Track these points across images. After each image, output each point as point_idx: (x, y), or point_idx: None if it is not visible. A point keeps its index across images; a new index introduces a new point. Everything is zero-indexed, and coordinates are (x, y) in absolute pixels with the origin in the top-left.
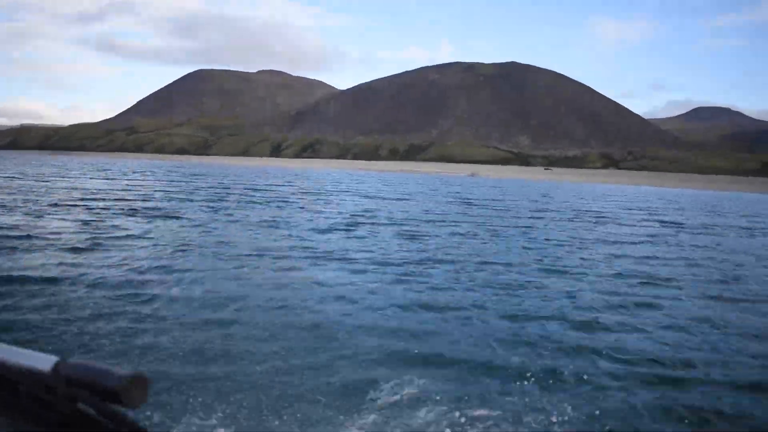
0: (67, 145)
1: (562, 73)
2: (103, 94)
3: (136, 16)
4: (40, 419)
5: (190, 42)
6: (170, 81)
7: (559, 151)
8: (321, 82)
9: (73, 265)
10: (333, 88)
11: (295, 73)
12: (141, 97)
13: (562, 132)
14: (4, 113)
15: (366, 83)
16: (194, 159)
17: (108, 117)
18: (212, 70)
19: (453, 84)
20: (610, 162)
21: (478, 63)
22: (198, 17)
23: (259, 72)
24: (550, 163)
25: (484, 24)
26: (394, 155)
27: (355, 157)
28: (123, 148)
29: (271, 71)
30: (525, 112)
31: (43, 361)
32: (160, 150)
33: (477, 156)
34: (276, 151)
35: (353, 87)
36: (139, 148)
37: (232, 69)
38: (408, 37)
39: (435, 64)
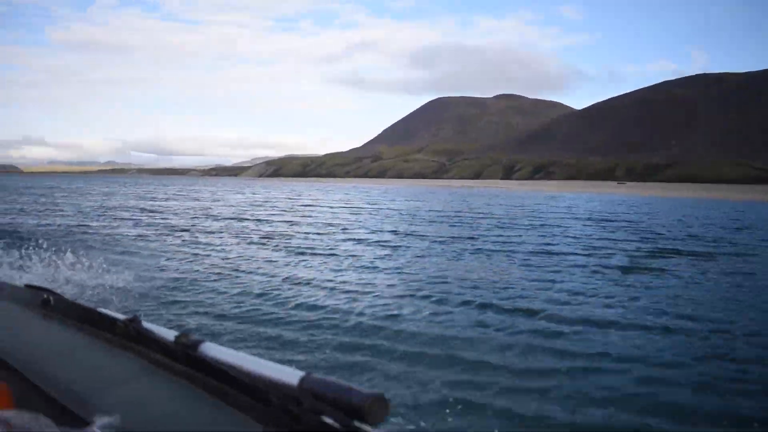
0: (320, 172)
1: None
2: (351, 125)
3: (378, 52)
4: (289, 429)
5: (429, 72)
6: (411, 110)
7: None
8: (557, 102)
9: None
10: (569, 108)
11: (531, 96)
12: (384, 127)
13: None
14: (272, 146)
15: (602, 101)
16: (425, 182)
17: (356, 146)
18: (449, 97)
19: (697, 98)
20: None
21: (727, 73)
22: (436, 49)
23: (495, 97)
24: None
25: (738, 31)
26: (630, 175)
27: (589, 178)
28: (367, 174)
29: (507, 95)
30: None
31: (290, 375)
32: (400, 175)
33: (726, 175)
34: (508, 174)
35: (588, 106)
36: (381, 174)
37: (468, 95)
38: (652, 50)
39: (679, 77)
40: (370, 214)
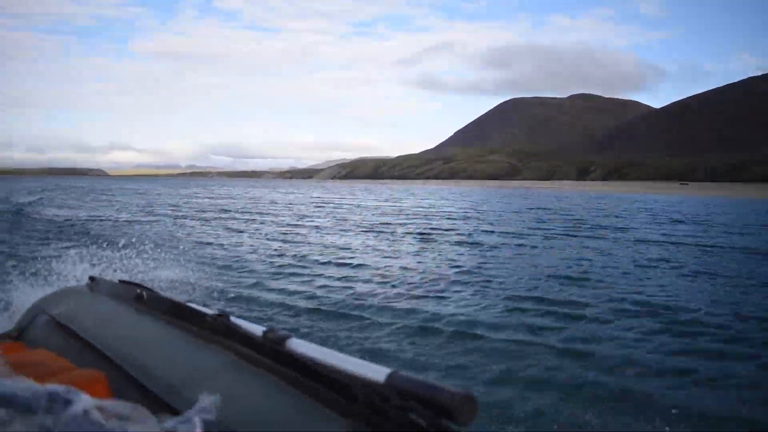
0: (392, 174)
1: None
2: (424, 126)
3: (451, 54)
4: (375, 425)
5: (502, 73)
6: (483, 111)
7: None
8: (635, 102)
9: None
10: (648, 107)
11: (608, 95)
12: (457, 128)
13: None
14: (346, 148)
15: (682, 100)
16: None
17: (428, 148)
18: (523, 98)
19: None
20: None
21: None
22: (509, 49)
23: (570, 97)
24: None
25: None
26: (712, 176)
27: (667, 178)
28: (439, 176)
29: (583, 95)
30: None
31: (377, 372)
32: (472, 176)
33: None
34: (582, 175)
35: (668, 105)
36: (453, 175)
37: (542, 96)
38: (733, 45)
39: (764, 72)
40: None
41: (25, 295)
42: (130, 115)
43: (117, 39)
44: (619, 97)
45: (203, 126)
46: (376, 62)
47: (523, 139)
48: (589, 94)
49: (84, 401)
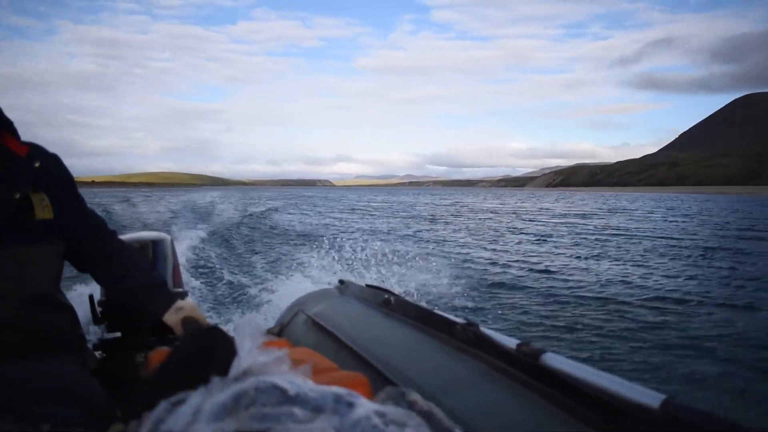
0: (609, 182)
1: None
2: (646, 129)
3: (673, 50)
4: None
5: (734, 67)
6: (712, 110)
7: None
8: None
9: None
10: None
11: None
12: (682, 130)
13: None
14: (562, 155)
15: None
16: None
17: (650, 152)
18: (760, 93)
19: None
20: None
21: None
22: (743, 39)
23: None
24: None
25: None
26: None
27: None
28: (663, 183)
29: None
30: None
31: (649, 397)
32: (700, 182)
33: None
34: None
35: None
36: (679, 181)
37: None
38: None
39: None
40: None
41: (277, 295)
42: (352, 128)
43: (342, 57)
44: None
45: (420, 136)
46: (592, 63)
47: (759, 140)
48: None
49: (365, 405)
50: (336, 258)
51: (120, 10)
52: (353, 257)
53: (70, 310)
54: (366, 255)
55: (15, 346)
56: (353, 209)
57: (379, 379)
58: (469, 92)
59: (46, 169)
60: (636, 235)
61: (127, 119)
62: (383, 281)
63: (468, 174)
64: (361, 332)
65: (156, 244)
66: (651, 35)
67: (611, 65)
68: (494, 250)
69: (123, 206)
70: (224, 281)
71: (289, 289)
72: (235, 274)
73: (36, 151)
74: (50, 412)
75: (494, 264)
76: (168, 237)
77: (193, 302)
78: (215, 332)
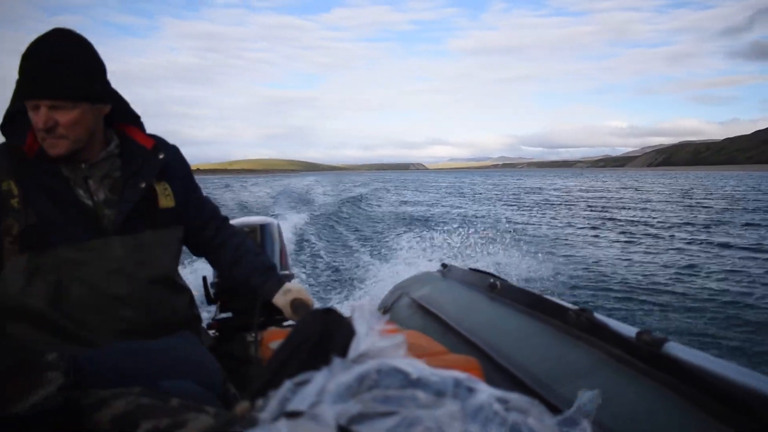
0: (716, 159)
1: None
2: (758, 103)
3: None
4: None
5: None
6: None
7: None
8: None
9: None
10: None
11: None
12: None
13: None
14: (664, 132)
15: None
16: None
17: (762, 127)
18: None
19: None
20: None
21: None
22: None
23: None
24: None
25: None
26: None
27: None
28: None
29: None
30: None
31: None
32: None
33: None
34: None
35: None
36: None
37: None
38: None
39: None
40: None
41: (377, 278)
42: (445, 111)
43: (434, 40)
44: None
45: (514, 117)
46: (696, 34)
47: None
48: None
49: (485, 390)
50: (432, 241)
51: (219, 4)
52: (448, 241)
53: (188, 291)
54: (462, 239)
55: (138, 324)
56: (445, 191)
57: (489, 364)
58: (566, 70)
59: (169, 160)
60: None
61: (226, 109)
62: (483, 265)
63: (565, 155)
64: (468, 316)
65: (264, 228)
66: (762, 0)
67: (718, 35)
68: (598, 236)
69: (222, 192)
70: (323, 264)
71: (387, 272)
72: (334, 256)
73: (160, 143)
74: (175, 387)
75: (599, 248)
76: (275, 221)
77: (300, 285)
78: (333, 314)
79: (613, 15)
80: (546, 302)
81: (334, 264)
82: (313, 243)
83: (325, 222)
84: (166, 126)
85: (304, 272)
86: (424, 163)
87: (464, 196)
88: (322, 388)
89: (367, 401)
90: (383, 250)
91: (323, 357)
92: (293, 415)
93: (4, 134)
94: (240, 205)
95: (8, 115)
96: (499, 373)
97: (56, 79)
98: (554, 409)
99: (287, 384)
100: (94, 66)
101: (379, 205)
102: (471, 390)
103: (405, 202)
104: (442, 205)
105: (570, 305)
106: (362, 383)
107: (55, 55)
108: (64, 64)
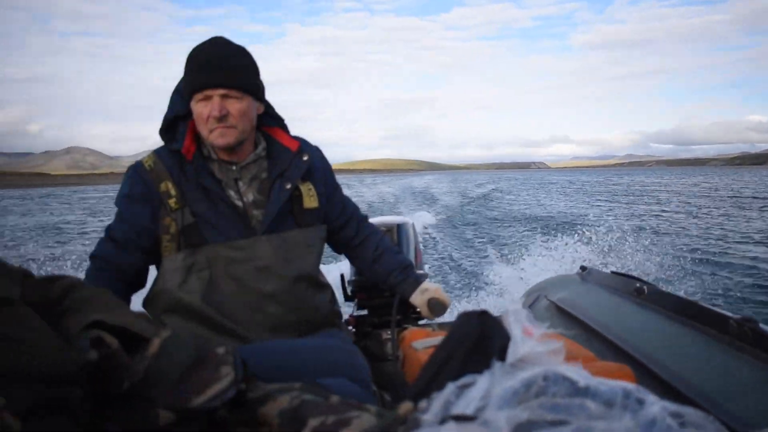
0: None
1: None
2: None
3: None
4: None
5: None
6: None
7: None
8: None
9: None
10: None
11: None
12: None
13: None
14: None
15: None
16: None
17: None
18: None
19: None
20: None
21: None
22: None
23: None
24: None
25: None
26: None
27: None
28: None
29: None
30: None
31: None
32: None
33: None
34: None
35: None
36: None
37: None
38: None
39: None
40: None
41: (510, 280)
42: (567, 108)
43: (557, 35)
44: None
45: (641, 114)
46: None
47: None
48: None
49: (656, 402)
50: (567, 243)
51: (340, 9)
52: (584, 243)
53: (329, 289)
54: (597, 240)
55: (284, 320)
56: (566, 190)
57: (645, 374)
58: (698, 62)
59: (313, 162)
60: None
61: (348, 111)
62: (623, 269)
63: (698, 152)
64: (614, 321)
65: (400, 227)
66: None
67: None
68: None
69: (347, 192)
70: (452, 264)
71: (519, 274)
72: (462, 255)
73: (304, 144)
74: (333, 384)
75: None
76: (410, 221)
77: (437, 284)
78: (488, 316)
79: (748, 2)
80: (702, 309)
81: (461, 264)
82: (439, 242)
83: (449, 221)
84: (292, 128)
85: (429, 271)
86: (546, 161)
87: (591, 195)
88: (487, 392)
89: (535, 408)
90: (513, 250)
91: (483, 360)
92: (462, 418)
93: (163, 139)
94: (361, 202)
95: (166, 121)
96: (656, 384)
97: (230, 69)
98: (727, 427)
99: (450, 386)
100: (255, 66)
101: (499, 205)
102: (641, 402)
103: (527, 204)
104: (568, 205)
105: (730, 314)
106: (529, 389)
107: (226, 52)
108: (235, 58)
